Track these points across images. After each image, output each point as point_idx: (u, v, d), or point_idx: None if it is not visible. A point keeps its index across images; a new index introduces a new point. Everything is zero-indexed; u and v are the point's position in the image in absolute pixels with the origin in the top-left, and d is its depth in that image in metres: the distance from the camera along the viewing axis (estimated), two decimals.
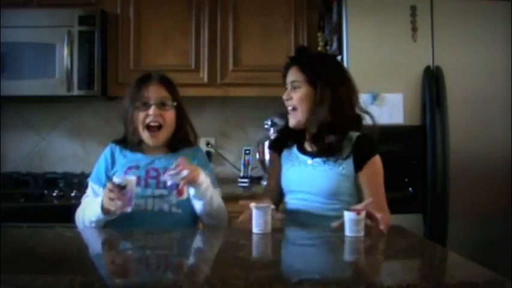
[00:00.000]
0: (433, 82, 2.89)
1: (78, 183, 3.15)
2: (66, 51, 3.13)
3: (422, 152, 2.87)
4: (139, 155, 2.09)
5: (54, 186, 3.10)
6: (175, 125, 2.09)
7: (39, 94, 3.19)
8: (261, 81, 3.33)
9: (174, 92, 2.10)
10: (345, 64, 2.89)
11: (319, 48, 3.27)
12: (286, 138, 2.19)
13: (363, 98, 2.85)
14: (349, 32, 2.91)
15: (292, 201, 2.12)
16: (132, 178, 1.89)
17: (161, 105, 2.04)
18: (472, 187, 2.94)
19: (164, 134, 2.07)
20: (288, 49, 3.32)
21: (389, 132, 2.86)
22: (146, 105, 2.03)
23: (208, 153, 3.64)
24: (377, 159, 2.05)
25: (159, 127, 2.05)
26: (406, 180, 2.89)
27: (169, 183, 1.91)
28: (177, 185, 1.88)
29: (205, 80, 3.33)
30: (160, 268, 1.57)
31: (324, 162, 2.04)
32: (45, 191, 3.00)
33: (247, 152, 3.46)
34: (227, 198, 3.05)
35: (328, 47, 3.16)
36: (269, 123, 3.37)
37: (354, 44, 2.91)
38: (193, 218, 2.08)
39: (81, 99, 3.37)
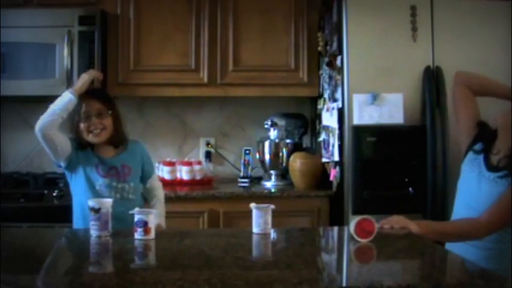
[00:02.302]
0: (433, 82, 2.89)
1: None
2: (66, 51, 3.12)
3: (422, 152, 2.86)
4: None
5: (54, 186, 3.10)
6: (113, 127, 2.38)
7: (39, 94, 3.18)
8: (261, 81, 3.33)
9: (108, 103, 2.39)
10: (345, 64, 2.90)
11: (319, 48, 3.27)
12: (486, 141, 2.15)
13: (363, 98, 2.88)
14: (349, 32, 2.91)
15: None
16: (107, 201, 1.91)
17: (99, 115, 2.33)
18: None
19: (105, 135, 2.36)
20: (288, 49, 3.32)
21: (389, 132, 2.89)
22: (88, 118, 2.33)
23: (208, 153, 3.64)
24: None
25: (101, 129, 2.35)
26: (406, 180, 2.89)
27: (136, 218, 1.82)
28: (145, 223, 1.80)
29: (205, 80, 3.32)
30: (160, 268, 1.57)
31: (500, 178, 2.01)
32: (45, 191, 3.01)
33: (247, 152, 3.46)
34: (227, 198, 3.09)
35: (328, 47, 3.16)
36: (269, 123, 3.38)
37: (354, 44, 2.91)
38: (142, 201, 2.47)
39: None
